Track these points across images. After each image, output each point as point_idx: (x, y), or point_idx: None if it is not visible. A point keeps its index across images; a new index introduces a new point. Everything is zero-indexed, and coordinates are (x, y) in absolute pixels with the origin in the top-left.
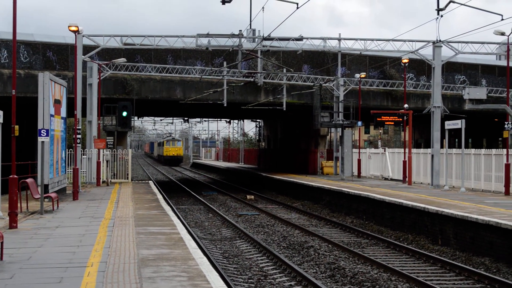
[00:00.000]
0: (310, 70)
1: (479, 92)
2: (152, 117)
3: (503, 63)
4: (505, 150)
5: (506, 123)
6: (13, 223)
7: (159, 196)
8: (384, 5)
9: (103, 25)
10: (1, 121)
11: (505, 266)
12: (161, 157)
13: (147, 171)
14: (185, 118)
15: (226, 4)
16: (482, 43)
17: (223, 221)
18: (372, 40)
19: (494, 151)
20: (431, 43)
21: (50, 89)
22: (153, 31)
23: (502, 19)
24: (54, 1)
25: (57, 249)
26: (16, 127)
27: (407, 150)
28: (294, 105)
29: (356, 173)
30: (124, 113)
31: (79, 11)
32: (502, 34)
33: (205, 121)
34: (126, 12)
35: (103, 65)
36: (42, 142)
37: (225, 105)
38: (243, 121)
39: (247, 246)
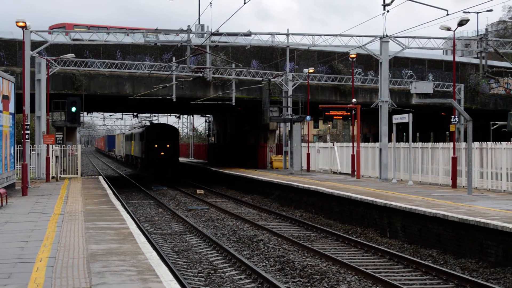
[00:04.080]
0: (259, 65)
1: (426, 87)
2: (102, 113)
3: (450, 58)
4: (451, 143)
5: (453, 117)
6: None
7: (109, 191)
8: (311, 0)
9: (28, 19)
10: None
11: (452, 257)
12: (137, 159)
13: (98, 167)
14: (135, 114)
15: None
16: (429, 38)
17: (173, 215)
18: (320, 35)
19: (441, 144)
20: (378, 38)
21: None
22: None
23: (447, 14)
24: None
25: (5, 245)
26: None
27: (355, 144)
28: (243, 100)
29: (305, 167)
30: (73, 109)
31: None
32: (448, 29)
33: (154, 116)
34: (49, 5)
35: (51, 60)
36: None
37: (175, 100)
38: (193, 116)
39: (197, 241)
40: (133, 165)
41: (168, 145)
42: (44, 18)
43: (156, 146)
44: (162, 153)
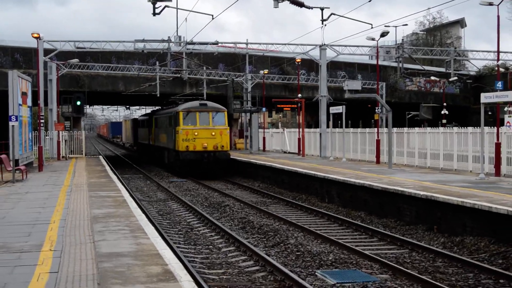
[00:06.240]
0: (224, 68)
1: (356, 85)
2: (101, 105)
3: (374, 62)
4: (376, 129)
5: (377, 108)
6: None
7: (107, 168)
8: (256, 15)
9: (22, 31)
10: None
11: (376, 218)
12: (162, 152)
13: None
14: (127, 106)
15: (156, 15)
16: (358, 46)
17: (158, 186)
18: (272, 44)
19: (367, 130)
20: (318, 47)
21: (18, 84)
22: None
23: (372, 27)
24: None
25: (26, 210)
26: None
27: (301, 130)
28: (212, 95)
29: (261, 148)
30: (78, 103)
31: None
32: (373, 39)
33: (143, 108)
34: (41, 20)
35: (60, 64)
36: (13, 126)
37: (158, 95)
38: None
39: (177, 206)
40: (155, 159)
41: (213, 133)
42: (39, 31)
43: (196, 134)
44: (205, 145)
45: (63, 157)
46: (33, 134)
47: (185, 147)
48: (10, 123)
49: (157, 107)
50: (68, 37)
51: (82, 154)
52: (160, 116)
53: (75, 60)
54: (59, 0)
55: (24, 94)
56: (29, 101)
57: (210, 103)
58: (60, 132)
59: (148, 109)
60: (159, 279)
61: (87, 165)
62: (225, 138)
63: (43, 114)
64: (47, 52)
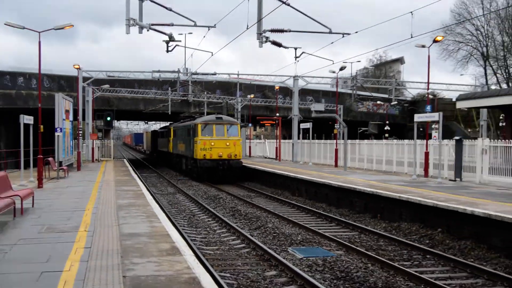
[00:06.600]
0: (221, 93)
1: (320, 107)
2: (126, 120)
3: (334, 89)
4: (335, 141)
5: (336, 124)
6: (40, 185)
7: (130, 169)
8: (245, 52)
9: (64, 62)
10: (32, 123)
11: (334, 208)
12: (180, 159)
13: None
14: (146, 121)
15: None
16: (322, 77)
17: (168, 183)
18: (258, 75)
19: (329, 141)
20: (292, 77)
21: (62, 104)
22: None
23: (333, 63)
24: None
25: (67, 200)
26: (41, 126)
27: (278, 140)
28: (211, 114)
29: (248, 154)
30: (108, 118)
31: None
32: (333, 72)
33: (158, 123)
34: (80, 53)
35: (95, 89)
36: (58, 135)
37: (170, 113)
38: None
39: (183, 198)
40: (173, 164)
41: (228, 144)
42: (78, 63)
43: (212, 144)
44: (221, 154)
45: (96, 160)
46: (73, 142)
47: (202, 155)
48: (56, 134)
49: (169, 122)
50: (101, 68)
51: (111, 158)
52: (178, 128)
53: (106, 86)
54: (94, 39)
55: (67, 111)
56: (71, 117)
57: (225, 117)
58: (94, 140)
59: (162, 124)
60: (168, 253)
61: (115, 166)
62: (238, 148)
63: (81, 127)
64: (85, 79)
